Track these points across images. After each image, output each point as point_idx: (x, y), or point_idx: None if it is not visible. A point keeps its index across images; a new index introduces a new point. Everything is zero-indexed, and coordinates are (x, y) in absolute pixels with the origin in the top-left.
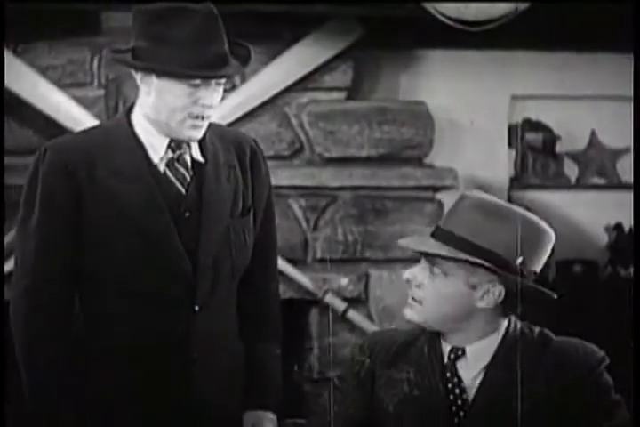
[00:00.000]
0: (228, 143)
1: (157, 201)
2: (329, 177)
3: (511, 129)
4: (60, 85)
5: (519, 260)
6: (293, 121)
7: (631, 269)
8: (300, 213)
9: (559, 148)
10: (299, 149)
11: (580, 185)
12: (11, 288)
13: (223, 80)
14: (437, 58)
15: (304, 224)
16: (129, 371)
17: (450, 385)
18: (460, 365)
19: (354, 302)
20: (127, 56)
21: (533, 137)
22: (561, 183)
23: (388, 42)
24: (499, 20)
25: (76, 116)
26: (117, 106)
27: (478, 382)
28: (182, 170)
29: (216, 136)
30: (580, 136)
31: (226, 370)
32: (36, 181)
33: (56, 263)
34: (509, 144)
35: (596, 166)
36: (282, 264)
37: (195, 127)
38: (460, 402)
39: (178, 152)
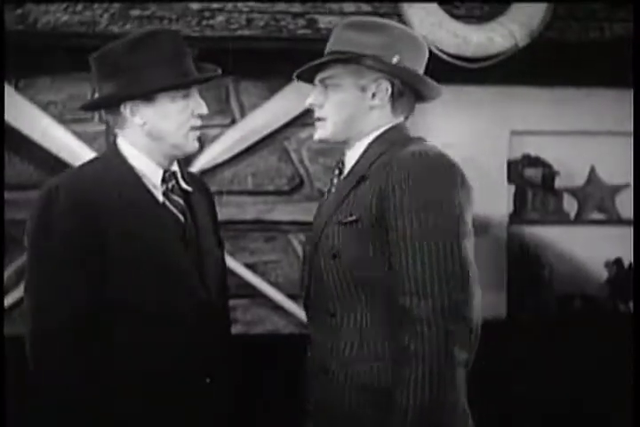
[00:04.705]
0: (194, 179)
1: (169, 231)
2: None
3: (510, 164)
4: (61, 121)
5: (396, 58)
6: (293, 156)
7: (631, 305)
8: (299, 249)
9: (558, 183)
10: (298, 185)
11: (580, 221)
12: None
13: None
14: None
15: None
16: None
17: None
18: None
19: None
20: (110, 99)
21: (533, 173)
22: (560, 219)
23: None
24: (497, 56)
25: (76, 151)
26: None
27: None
28: (177, 199)
29: (185, 173)
30: (579, 172)
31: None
32: (50, 222)
33: (83, 298)
34: (509, 180)
35: (595, 202)
36: (282, 299)
37: (196, 139)
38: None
39: (170, 183)
